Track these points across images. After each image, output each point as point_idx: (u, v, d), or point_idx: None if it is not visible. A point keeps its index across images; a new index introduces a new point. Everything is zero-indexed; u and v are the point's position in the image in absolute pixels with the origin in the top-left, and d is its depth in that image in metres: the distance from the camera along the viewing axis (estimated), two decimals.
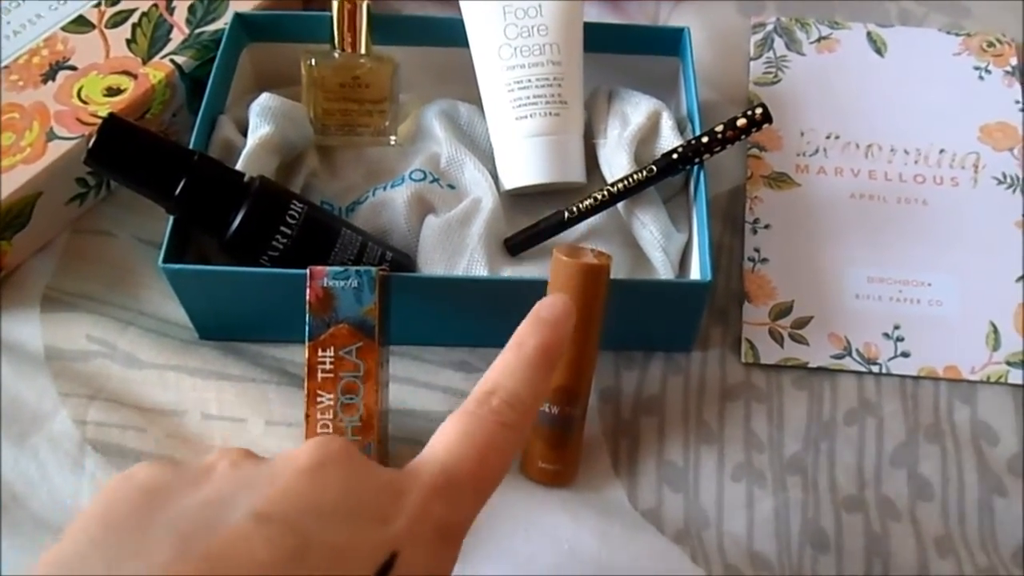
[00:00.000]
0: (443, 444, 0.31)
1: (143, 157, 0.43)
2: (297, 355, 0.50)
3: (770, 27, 0.65)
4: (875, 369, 0.52)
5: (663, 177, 0.51)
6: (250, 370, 0.49)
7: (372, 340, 0.41)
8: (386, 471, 0.29)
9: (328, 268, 0.41)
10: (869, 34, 0.65)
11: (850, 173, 0.59)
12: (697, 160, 0.50)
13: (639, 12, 0.66)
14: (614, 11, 0.66)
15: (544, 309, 0.35)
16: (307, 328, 0.41)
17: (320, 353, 0.41)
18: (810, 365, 0.52)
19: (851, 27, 0.65)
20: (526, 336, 0.34)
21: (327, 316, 0.41)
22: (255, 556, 0.24)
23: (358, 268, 0.41)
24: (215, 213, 0.45)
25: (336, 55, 0.54)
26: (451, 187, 0.53)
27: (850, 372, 0.52)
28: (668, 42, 0.57)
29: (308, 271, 0.41)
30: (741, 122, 0.50)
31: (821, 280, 0.54)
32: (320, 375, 0.41)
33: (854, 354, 0.52)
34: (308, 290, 0.41)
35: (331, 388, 0.41)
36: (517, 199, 0.54)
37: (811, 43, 0.64)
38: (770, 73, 0.63)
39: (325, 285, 0.41)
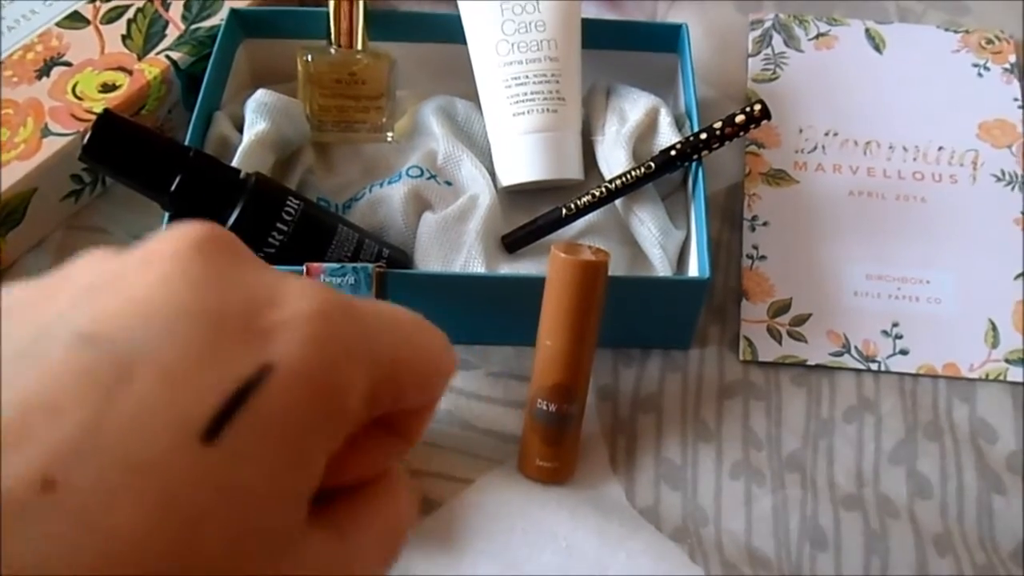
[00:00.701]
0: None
1: (138, 153, 0.43)
2: None
3: (768, 24, 0.65)
4: (874, 367, 0.51)
5: (661, 174, 0.50)
6: None
7: None
8: (277, 272, 0.22)
9: (324, 265, 0.41)
10: (868, 31, 0.65)
11: (848, 170, 0.58)
12: (696, 157, 0.50)
13: (636, 8, 0.66)
14: (611, 8, 0.66)
15: None
16: None
17: None
18: (809, 363, 0.51)
19: (850, 24, 0.65)
20: None
21: None
22: (61, 400, 0.18)
23: (355, 265, 0.41)
24: (211, 210, 0.44)
25: (332, 51, 0.53)
26: (448, 184, 0.53)
27: (849, 370, 0.51)
28: (666, 39, 0.56)
29: (304, 268, 0.41)
30: (740, 118, 0.49)
31: (820, 277, 0.54)
32: None
33: (853, 351, 0.52)
34: None
35: None
36: (514, 196, 0.54)
37: (809, 40, 0.64)
38: (768, 70, 0.63)
39: (322, 282, 0.41)
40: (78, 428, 0.18)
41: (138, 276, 0.21)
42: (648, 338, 0.51)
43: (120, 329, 0.19)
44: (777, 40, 0.64)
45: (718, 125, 0.50)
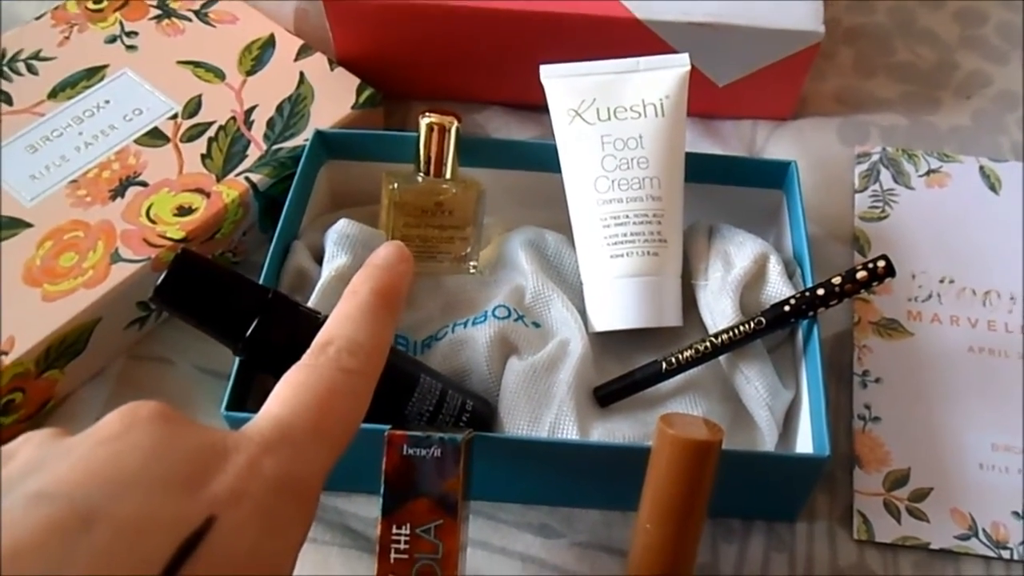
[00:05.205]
0: (278, 400, 0.29)
1: (214, 297, 0.40)
2: (362, 508, 0.46)
3: (875, 157, 0.61)
4: (1005, 554, 0.46)
5: (772, 330, 0.46)
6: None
7: (454, 518, 0.36)
8: (211, 431, 0.27)
9: (408, 434, 0.37)
10: (982, 168, 0.60)
11: (967, 322, 0.54)
12: (811, 313, 0.46)
13: (734, 133, 0.63)
14: (707, 132, 0.63)
15: (377, 257, 0.37)
16: (381, 501, 0.36)
17: (394, 531, 0.36)
18: (932, 546, 0.46)
19: (963, 160, 0.61)
20: (359, 284, 0.35)
21: (404, 489, 0.36)
22: (23, 537, 0.21)
23: (441, 435, 0.37)
24: (286, 357, 0.41)
25: (419, 179, 0.50)
26: (536, 325, 0.49)
27: (977, 556, 0.46)
28: (773, 176, 0.53)
29: (386, 436, 0.37)
30: (861, 275, 0.45)
31: (940, 445, 0.49)
32: (393, 555, 0.36)
33: (980, 535, 0.46)
34: (384, 459, 0.37)
35: (405, 570, 0.36)
36: (605, 338, 0.50)
37: (920, 176, 0.60)
38: (877, 207, 0.59)
39: (405, 454, 0.37)
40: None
41: (89, 450, 0.24)
42: (751, 509, 0.46)
43: (76, 487, 0.22)
44: (885, 175, 0.60)
45: (837, 281, 0.45)
